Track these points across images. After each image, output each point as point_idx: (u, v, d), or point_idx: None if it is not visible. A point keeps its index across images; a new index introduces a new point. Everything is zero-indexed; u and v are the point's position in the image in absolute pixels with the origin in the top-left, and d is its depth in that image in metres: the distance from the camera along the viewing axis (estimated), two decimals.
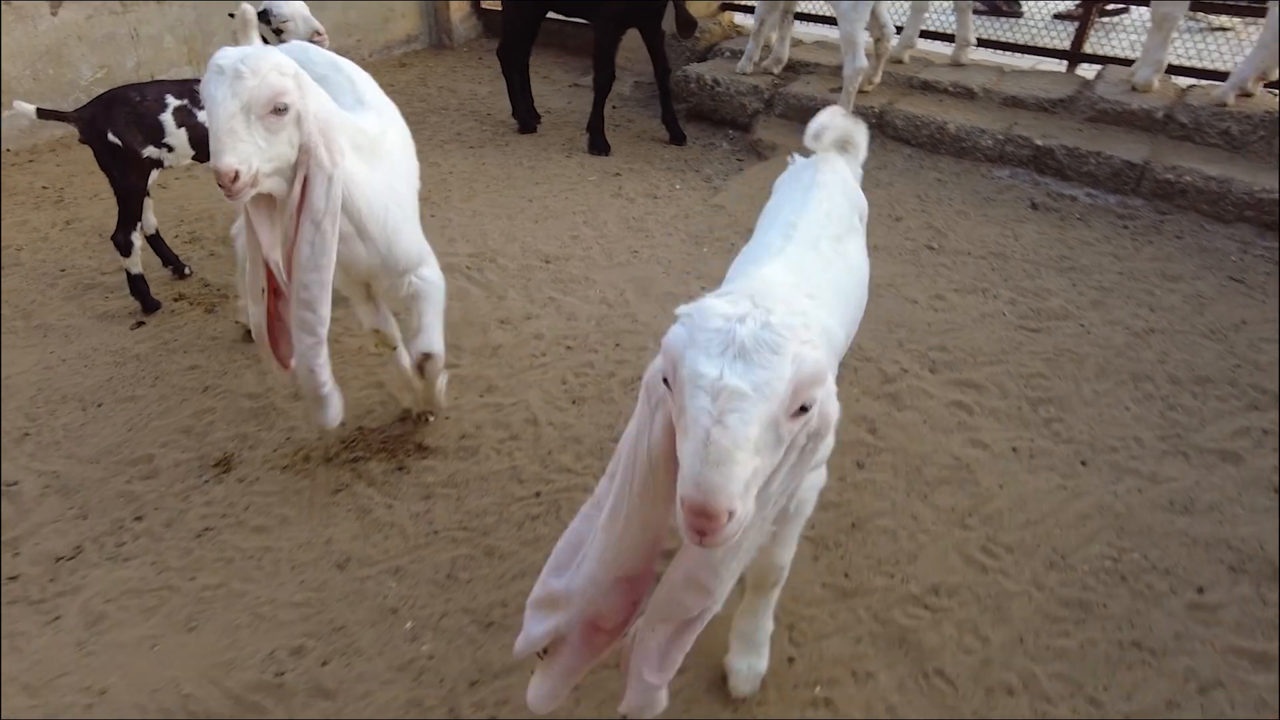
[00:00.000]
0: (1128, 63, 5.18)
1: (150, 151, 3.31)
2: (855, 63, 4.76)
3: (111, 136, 3.21)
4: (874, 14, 4.84)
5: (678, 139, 5.31)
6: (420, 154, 2.75)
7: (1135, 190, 4.38)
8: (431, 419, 2.87)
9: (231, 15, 3.70)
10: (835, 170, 2.15)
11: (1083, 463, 2.72)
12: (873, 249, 3.85)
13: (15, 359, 3.27)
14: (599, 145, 5.13)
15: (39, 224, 4.21)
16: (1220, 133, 4.49)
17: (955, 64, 5.43)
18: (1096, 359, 3.20)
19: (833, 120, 2.18)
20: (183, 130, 3.36)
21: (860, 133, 2.29)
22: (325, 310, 2.15)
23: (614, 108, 5.91)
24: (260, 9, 3.51)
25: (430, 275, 2.50)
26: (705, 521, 1.10)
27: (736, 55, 5.76)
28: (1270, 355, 3.25)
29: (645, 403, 1.33)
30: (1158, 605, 2.26)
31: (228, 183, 1.86)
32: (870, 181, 4.64)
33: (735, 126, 5.48)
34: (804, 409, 1.16)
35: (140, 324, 3.49)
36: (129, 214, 3.37)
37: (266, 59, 1.89)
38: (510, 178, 4.81)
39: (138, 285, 3.51)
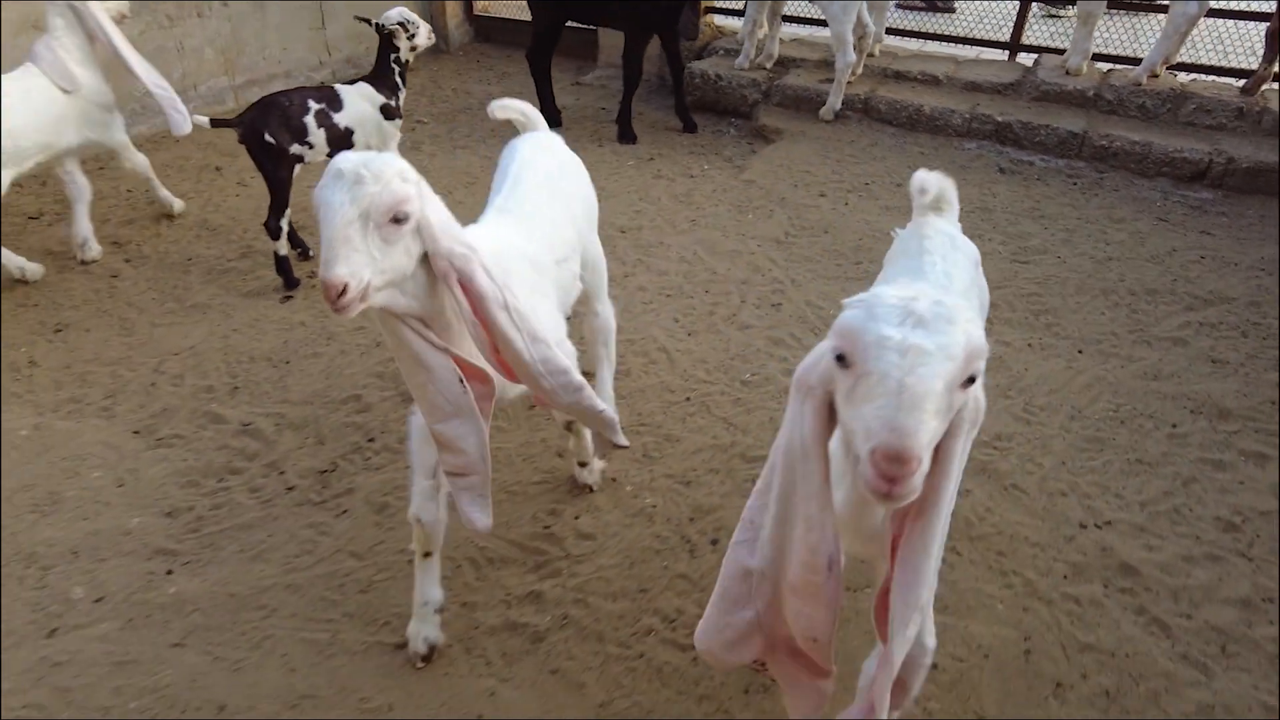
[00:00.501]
0: (1059, 51, 6.25)
1: (295, 149, 3.89)
2: (846, 58, 5.65)
3: (267, 137, 3.78)
4: (858, 14, 5.73)
5: (690, 128, 6.09)
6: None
7: (1078, 155, 5.42)
8: (592, 484, 2.89)
9: (367, 21, 4.28)
10: (939, 230, 2.13)
11: (1079, 351, 3.65)
12: (886, 209, 4.77)
13: (186, 333, 3.78)
14: (628, 135, 5.87)
15: (145, 220, 4.67)
16: (1138, 107, 5.58)
17: (869, 55, 6.29)
18: (1074, 280, 4.16)
19: (928, 180, 2.16)
20: (321, 130, 3.96)
21: (952, 190, 2.25)
22: (575, 374, 2.02)
23: (604, 106, 6.64)
24: (392, 20, 4.12)
25: (569, 353, 2.25)
26: (898, 467, 1.14)
27: (729, 53, 6.59)
28: (1198, 271, 4.27)
29: (795, 399, 1.40)
30: (1148, 437, 3.18)
31: (334, 296, 1.61)
32: (866, 156, 5.56)
33: (738, 115, 6.31)
34: (971, 380, 1.24)
35: (288, 298, 4.05)
36: (279, 203, 3.93)
37: (390, 164, 1.70)
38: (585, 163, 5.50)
39: (283, 265, 4.06)
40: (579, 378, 2.00)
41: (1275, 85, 5.54)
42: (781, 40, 6.75)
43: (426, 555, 2.29)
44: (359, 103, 4.11)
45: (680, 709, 2.22)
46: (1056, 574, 2.62)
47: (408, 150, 5.14)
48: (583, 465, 2.85)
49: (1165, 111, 5.52)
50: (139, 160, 4.30)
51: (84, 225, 4.18)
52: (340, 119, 4.02)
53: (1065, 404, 3.34)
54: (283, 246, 4.03)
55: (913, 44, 7.16)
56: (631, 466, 3.03)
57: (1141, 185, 5.19)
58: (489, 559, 2.66)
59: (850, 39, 5.60)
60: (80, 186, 4.09)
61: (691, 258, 4.36)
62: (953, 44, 6.97)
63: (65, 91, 3.82)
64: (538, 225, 2.37)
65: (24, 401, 3.33)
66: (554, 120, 6.15)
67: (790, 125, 5.90)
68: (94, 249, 4.24)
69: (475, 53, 8.04)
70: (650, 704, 2.23)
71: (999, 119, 5.56)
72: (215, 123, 3.88)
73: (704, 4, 7.25)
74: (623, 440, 2.33)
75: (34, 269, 4.04)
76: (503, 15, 8.28)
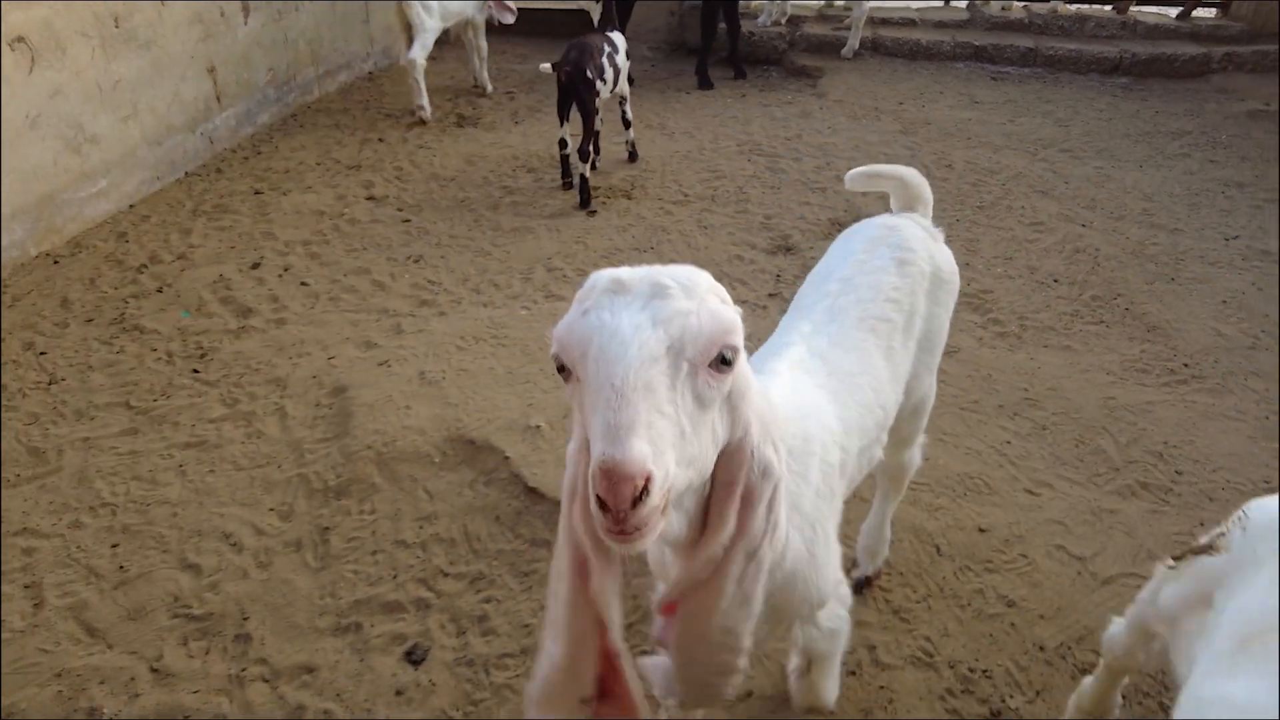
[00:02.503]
0: None
1: (599, 85, 4.74)
2: (861, 7, 7.24)
3: (589, 73, 4.60)
4: None
5: (742, 74, 7.37)
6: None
7: (1036, 63, 7.43)
8: None
9: None
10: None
11: (1088, 156, 5.48)
12: (949, 107, 6.45)
13: (541, 244, 4.48)
14: (706, 83, 7.05)
15: (423, 168, 5.18)
16: (1058, 28, 7.72)
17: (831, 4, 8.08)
18: (1072, 133, 6.03)
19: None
20: (611, 69, 4.82)
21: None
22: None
23: (652, 65, 7.78)
24: None
25: (839, 619, 1.65)
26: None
27: (746, 17, 7.95)
28: (1147, 124, 6.32)
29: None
30: (1162, 265, 5.03)
31: (629, 497, 0.90)
32: (899, 78, 7.20)
33: (769, 63, 7.69)
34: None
35: (593, 212, 4.84)
36: (590, 132, 4.74)
37: (701, 275, 1.08)
38: (692, 106, 6.58)
39: (585, 186, 4.85)
40: (744, 662, 1.24)
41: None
42: None
43: None
44: (624, 47, 5.00)
45: None
46: None
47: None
48: None
49: (1076, 29, 7.70)
50: (484, 43, 6.57)
51: (483, 74, 6.73)
52: (619, 60, 4.90)
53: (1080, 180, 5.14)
54: (588, 169, 4.81)
55: None
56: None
57: (1082, 79, 7.29)
58: None
59: None
60: (480, 46, 6.59)
61: (857, 150, 5.69)
62: None
63: None
64: (857, 392, 1.64)
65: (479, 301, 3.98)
66: (707, 84, 7.03)
67: (822, 64, 7.40)
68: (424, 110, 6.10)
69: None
70: None
71: (976, 44, 7.44)
72: (554, 66, 4.61)
73: None
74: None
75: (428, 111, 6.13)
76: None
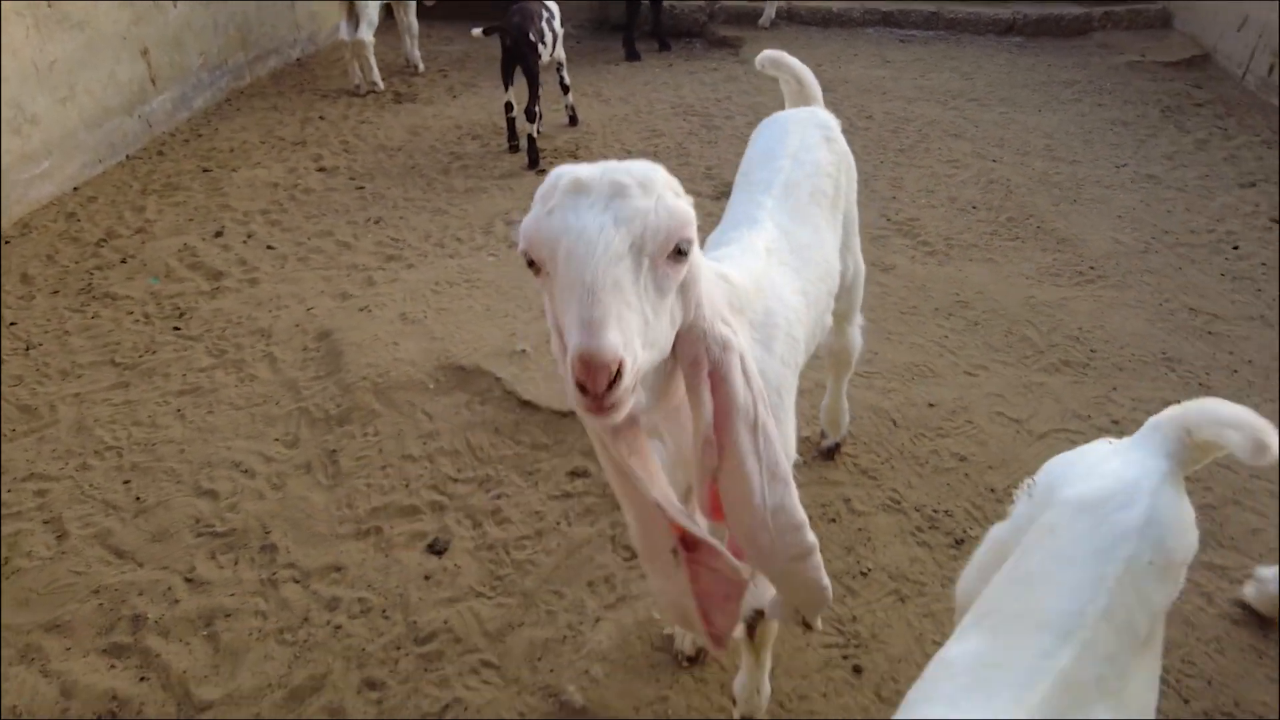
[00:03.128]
0: None
1: (540, 48, 4.94)
2: None
3: (531, 36, 4.80)
4: None
5: (666, 46, 7.65)
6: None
7: (939, 27, 7.95)
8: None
9: None
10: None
11: (998, 148, 6.00)
12: (864, 68, 6.86)
13: (495, 201, 4.66)
14: (634, 54, 7.30)
15: (368, 141, 5.27)
16: None
17: None
18: (977, 85, 6.54)
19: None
20: (549, 33, 5.03)
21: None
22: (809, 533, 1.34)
23: (578, 42, 8.00)
24: None
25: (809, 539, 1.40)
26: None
27: None
28: (1042, 76, 6.88)
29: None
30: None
31: (604, 382, 0.99)
32: (815, 44, 7.61)
33: (691, 36, 7.99)
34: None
35: (542, 171, 5.03)
36: (535, 93, 4.95)
37: (657, 170, 1.12)
38: (623, 76, 6.82)
39: (534, 145, 5.05)
40: (812, 537, 1.34)
41: None
42: None
43: None
44: (559, 13, 5.21)
45: None
46: None
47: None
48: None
49: None
50: (414, 21, 6.68)
51: (415, 52, 6.85)
52: (556, 26, 5.11)
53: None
54: (535, 130, 5.01)
55: None
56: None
57: (981, 39, 7.84)
58: None
59: None
60: (411, 24, 6.66)
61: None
62: None
63: None
64: (811, 262, 1.78)
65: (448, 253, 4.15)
66: (634, 55, 7.29)
67: (741, 34, 7.75)
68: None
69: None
70: None
71: (884, 9, 7.92)
72: (487, 30, 4.78)
73: None
74: (819, 624, 1.65)
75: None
76: None
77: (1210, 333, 3.40)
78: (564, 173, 1.08)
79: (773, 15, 7.84)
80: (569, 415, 2.89)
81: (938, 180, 4.85)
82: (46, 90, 4.53)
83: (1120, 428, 2.84)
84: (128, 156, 5.15)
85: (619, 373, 0.98)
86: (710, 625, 1.38)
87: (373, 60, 6.16)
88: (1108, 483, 1.32)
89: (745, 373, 1.23)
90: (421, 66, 6.95)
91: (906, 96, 6.23)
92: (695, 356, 1.19)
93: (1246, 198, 4.57)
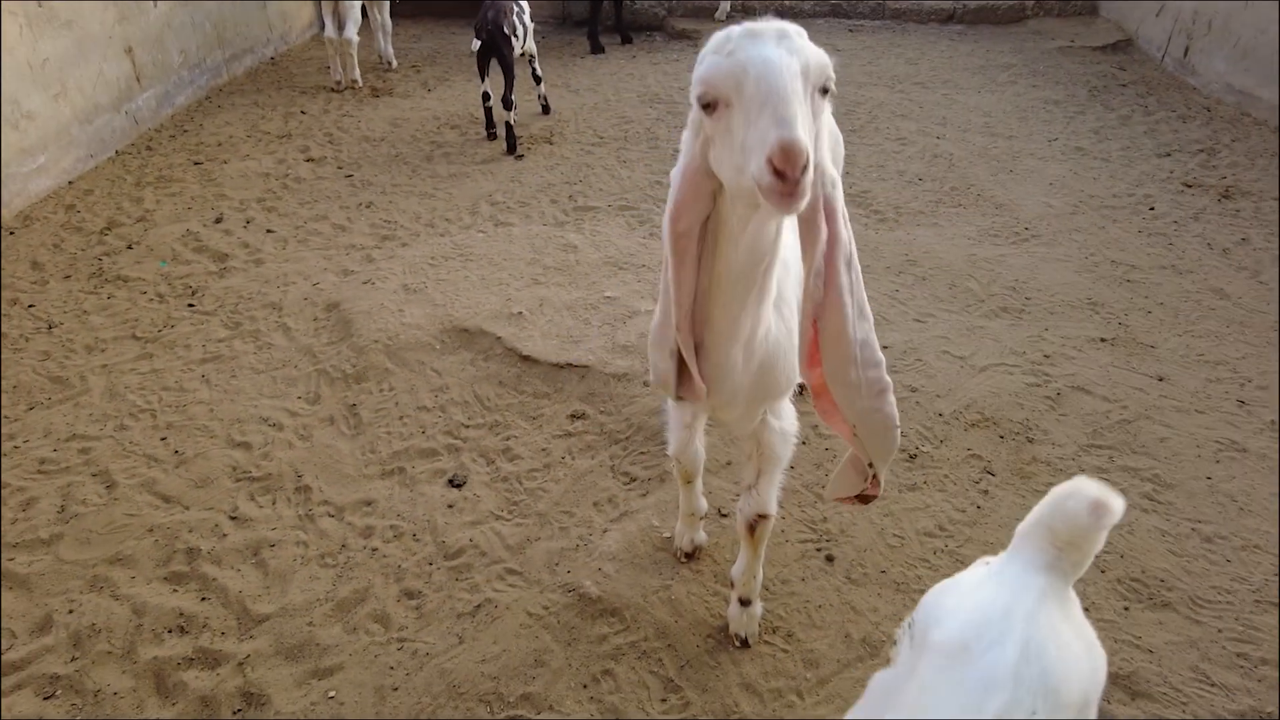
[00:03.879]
0: None
1: (514, 40, 5.24)
2: None
3: (505, 29, 5.10)
4: None
5: (628, 40, 7.99)
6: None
7: (884, 16, 8.40)
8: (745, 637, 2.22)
9: None
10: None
11: (940, 126, 6.45)
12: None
13: (479, 185, 4.96)
14: (598, 47, 7.62)
15: (352, 133, 5.52)
16: None
17: None
18: (921, 70, 6.99)
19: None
20: (521, 27, 5.33)
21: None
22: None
23: (543, 37, 8.29)
24: None
25: (789, 422, 1.96)
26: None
27: None
28: (980, 60, 7.36)
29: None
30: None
31: (799, 165, 1.16)
32: None
33: (651, 29, 8.34)
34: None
35: (521, 156, 5.34)
36: (511, 83, 5.24)
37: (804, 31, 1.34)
38: (589, 68, 7.12)
39: (512, 132, 5.34)
40: (888, 376, 1.50)
41: None
42: None
43: (688, 483, 2.29)
44: (528, 8, 5.51)
45: None
46: None
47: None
48: (744, 604, 2.21)
49: None
50: (388, 19, 6.92)
51: (388, 48, 7.10)
52: (526, 20, 5.41)
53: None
54: (512, 117, 5.31)
55: None
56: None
57: (924, 28, 8.31)
58: None
59: None
60: (385, 22, 6.93)
61: None
62: None
63: None
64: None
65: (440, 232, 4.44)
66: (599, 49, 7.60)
67: (700, 27, 8.11)
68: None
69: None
70: None
71: (833, 2, 8.34)
72: (478, 35, 5.04)
73: None
74: (884, 476, 1.71)
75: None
76: None
77: (1129, 280, 3.84)
78: (738, 27, 1.30)
79: (728, 9, 8.22)
80: (565, 367, 3.22)
81: (887, 156, 5.26)
82: (40, 87, 4.71)
83: (1051, 362, 3.25)
84: (117, 152, 5.34)
85: (807, 161, 1.16)
86: (680, 387, 1.72)
87: (355, 58, 6.40)
88: (974, 616, 1.15)
89: (844, 213, 1.43)
90: (394, 63, 7.19)
91: (857, 82, 6.65)
92: (814, 191, 1.34)
93: (1163, 166, 5.05)
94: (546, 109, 6.00)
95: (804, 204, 1.23)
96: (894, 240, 4.22)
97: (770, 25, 1.29)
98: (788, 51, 1.25)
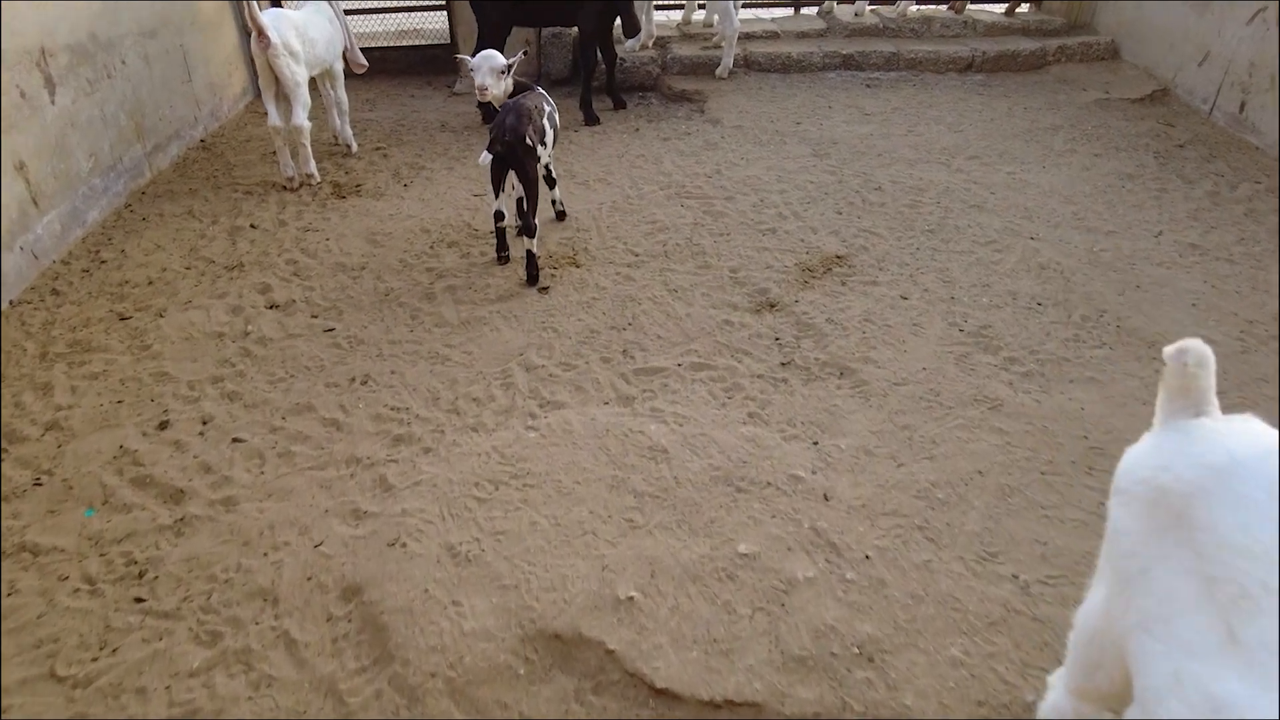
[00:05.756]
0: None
1: (540, 150, 4.18)
2: (732, 25, 7.08)
3: (529, 140, 4.03)
4: None
5: (621, 104, 6.99)
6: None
7: (899, 67, 7.61)
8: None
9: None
10: None
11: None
12: (844, 121, 6.47)
13: (503, 337, 3.91)
14: (593, 118, 6.59)
15: (321, 259, 4.36)
16: (909, 30, 7.96)
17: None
18: (969, 139, 6.23)
19: None
20: (551, 132, 4.28)
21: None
22: None
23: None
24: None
25: None
26: None
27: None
28: (1022, 121, 6.64)
29: None
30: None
31: None
32: (781, 95, 7.15)
33: (645, 89, 7.36)
34: None
35: (545, 289, 4.27)
36: (535, 204, 4.18)
37: None
38: (590, 147, 6.09)
39: (534, 262, 4.24)
40: None
41: (975, 6, 8.34)
42: None
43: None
44: (556, 108, 4.47)
45: None
46: None
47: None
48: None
49: (924, 30, 7.98)
50: (344, 95, 5.92)
51: (346, 129, 6.03)
52: (554, 116, 4.36)
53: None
54: (536, 245, 4.23)
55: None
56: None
57: (943, 78, 7.56)
58: None
59: (734, 10, 7.04)
60: (341, 100, 5.93)
61: (782, 181, 5.50)
62: (748, 8, 8.75)
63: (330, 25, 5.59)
64: None
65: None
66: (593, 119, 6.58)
67: (700, 86, 7.17)
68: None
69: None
70: None
71: (844, 52, 7.51)
72: (491, 148, 3.92)
73: None
74: None
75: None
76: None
77: None
78: None
79: (730, 64, 7.30)
80: (723, 707, 2.21)
81: (988, 271, 4.40)
82: None
83: None
84: (11, 303, 4.07)
85: None
86: None
87: (309, 148, 5.22)
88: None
89: None
90: (354, 146, 6.03)
91: (906, 159, 5.81)
92: None
93: None
94: (561, 215, 4.96)
95: None
96: (1057, 411, 3.34)
97: None
98: None
